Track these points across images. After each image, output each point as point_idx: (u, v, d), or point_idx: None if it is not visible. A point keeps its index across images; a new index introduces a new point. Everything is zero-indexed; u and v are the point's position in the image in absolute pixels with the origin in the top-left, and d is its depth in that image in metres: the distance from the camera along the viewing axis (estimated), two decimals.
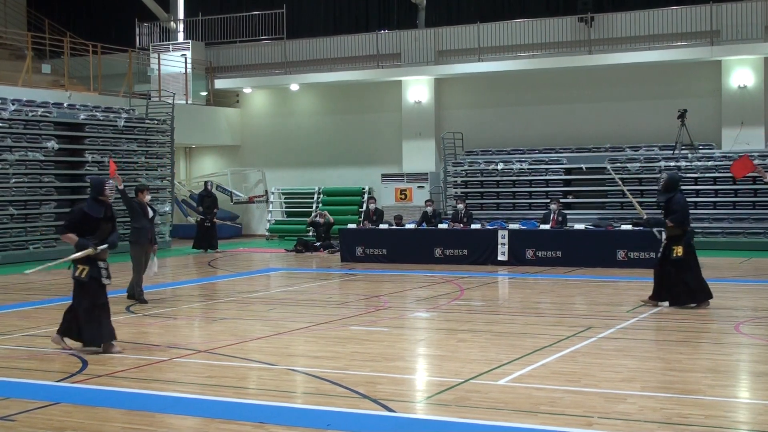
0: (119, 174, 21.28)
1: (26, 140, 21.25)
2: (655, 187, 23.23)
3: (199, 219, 23.31)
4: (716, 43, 23.79)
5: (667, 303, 12.44)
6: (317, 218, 24.09)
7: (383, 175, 26.83)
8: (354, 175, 28.46)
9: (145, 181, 23.99)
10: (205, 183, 24.01)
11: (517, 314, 12.35)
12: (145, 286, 14.70)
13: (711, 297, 12.41)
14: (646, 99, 25.28)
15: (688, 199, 22.20)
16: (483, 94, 27.18)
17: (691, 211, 21.02)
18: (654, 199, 23.35)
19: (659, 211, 13.16)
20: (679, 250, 12.18)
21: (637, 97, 25.40)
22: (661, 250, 12.53)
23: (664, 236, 12.46)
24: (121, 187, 13.70)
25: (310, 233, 25.19)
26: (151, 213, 13.64)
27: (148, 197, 13.76)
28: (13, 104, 21.23)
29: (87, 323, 9.58)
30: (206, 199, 23.22)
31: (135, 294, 13.63)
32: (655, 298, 12.60)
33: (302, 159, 29.51)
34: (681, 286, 12.31)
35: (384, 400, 7.42)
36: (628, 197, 15.04)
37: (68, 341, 9.82)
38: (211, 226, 23.16)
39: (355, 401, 7.44)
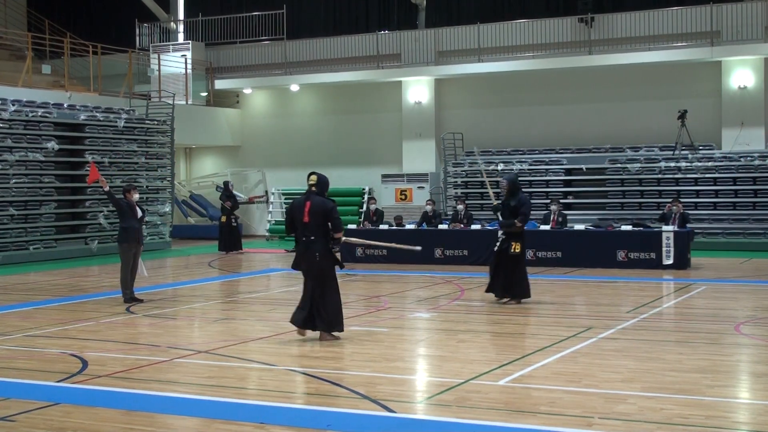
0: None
1: (26, 141, 21.26)
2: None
3: (224, 220, 23.01)
4: (716, 43, 23.79)
5: (511, 299, 13.05)
6: None
7: (383, 176, 26.84)
8: (354, 175, 28.45)
9: (145, 181, 24.02)
10: (227, 183, 23.95)
11: (517, 315, 12.35)
12: (146, 286, 14.73)
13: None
14: (646, 99, 25.28)
15: (689, 200, 22.46)
16: (483, 94, 27.18)
17: (691, 212, 21.38)
18: (653, 200, 23.46)
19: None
20: (517, 247, 12.89)
21: (637, 98, 25.40)
22: (498, 245, 13.05)
23: (500, 233, 13.11)
24: (106, 188, 13.68)
25: None
26: (139, 213, 13.66)
27: (136, 197, 13.76)
28: (13, 105, 21.23)
29: (340, 311, 10.28)
30: (232, 199, 23.24)
31: (122, 293, 13.63)
32: (494, 291, 13.14)
33: (302, 159, 29.48)
34: (523, 281, 13.02)
35: (384, 401, 7.42)
36: (487, 188, 15.87)
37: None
38: (236, 226, 23.14)
39: (355, 401, 7.44)
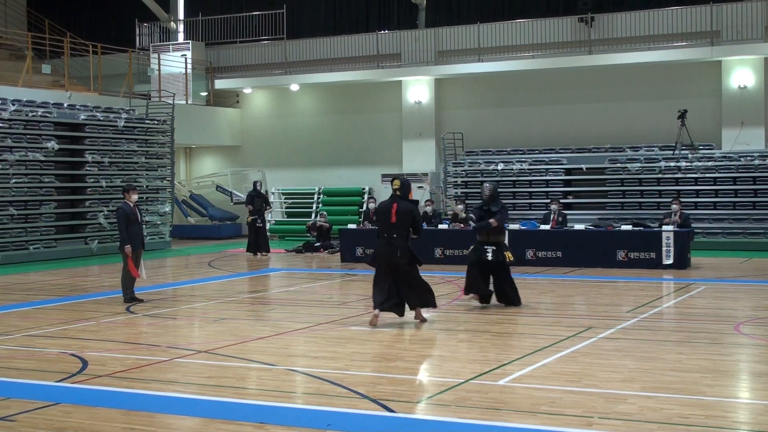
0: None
1: (26, 140, 21.25)
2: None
3: (250, 220, 22.53)
4: (716, 43, 23.79)
5: (473, 295, 12.91)
6: (319, 219, 24.13)
7: (383, 175, 26.81)
8: (354, 175, 28.46)
9: (145, 181, 24.01)
10: (255, 182, 23.74)
11: (517, 314, 12.35)
12: (146, 286, 14.75)
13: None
14: (646, 99, 25.28)
15: (688, 200, 22.47)
16: (483, 94, 27.18)
17: (691, 212, 21.39)
18: (653, 200, 23.47)
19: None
20: (510, 255, 12.76)
21: (637, 97, 25.39)
22: (490, 256, 12.57)
23: (488, 247, 12.67)
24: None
25: (312, 235, 25.14)
26: (139, 216, 13.69)
27: (134, 197, 13.74)
28: (13, 104, 21.22)
29: (431, 289, 11.57)
30: (256, 199, 22.63)
31: (123, 292, 13.63)
32: (476, 291, 12.84)
33: (302, 159, 29.51)
34: (513, 287, 12.83)
35: (384, 400, 7.42)
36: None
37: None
38: (262, 226, 22.73)
39: (355, 401, 7.44)
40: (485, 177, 25.31)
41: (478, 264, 12.73)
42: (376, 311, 11.19)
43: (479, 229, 12.77)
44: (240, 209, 29.38)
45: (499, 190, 24.61)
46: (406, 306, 11.44)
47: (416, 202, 11.77)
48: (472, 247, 12.95)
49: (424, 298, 11.42)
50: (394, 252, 11.12)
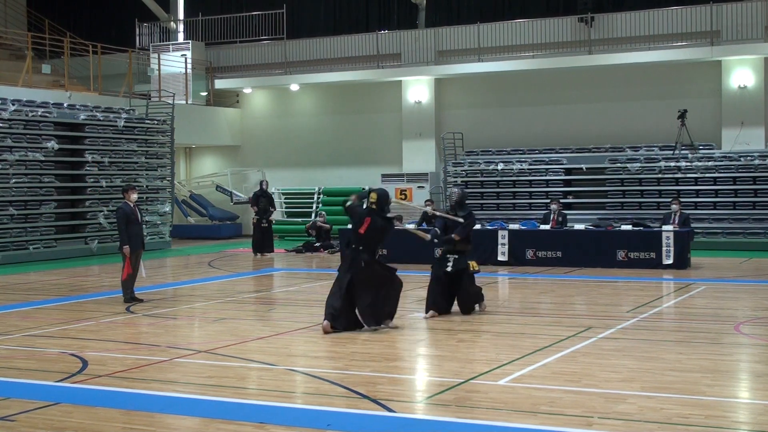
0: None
1: (26, 140, 21.25)
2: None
3: (255, 220, 22.46)
4: (716, 43, 23.79)
5: (432, 312, 12.07)
6: (318, 219, 24.14)
7: (383, 175, 26.82)
8: (354, 175, 28.44)
9: (145, 181, 24.00)
10: (261, 182, 23.58)
11: (517, 314, 12.35)
12: (146, 286, 14.75)
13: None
14: (646, 99, 25.28)
15: (688, 200, 22.46)
16: (483, 94, 27.18)
17: (691, 212, 21.38)
18: (653, 200, 23.47)
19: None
20: (475, 265, 12.28)
21: (637, 97, 25.39)
22: (451, 266, 12.06)
23: (449, 256, 12.15)
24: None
25: (312, 234, 25.13)
26: (139, 216, 13.69)
27: (134, 196, 13.73)
28: (13, 104, 21.21)
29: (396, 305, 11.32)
30: (262, 199, 22.50)
31: (123, 292, 13.63)
32: (434, 310, 12.11)
33: (302, 159, 29.51)
34: (473, 292, 12.29)
35: (384, 400, 7.42)
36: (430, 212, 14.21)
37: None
38: (267, 227, 22.53)
39: (355, 401, 7.44)
40: (485, 177, 25.36)
41: (439, 281, 12.17)
42: (326, 322, 10.65)
43: (442, 243, 12.29)
44: (240, 209, 29.41)
45: (500, 190, 25.30)
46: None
47: (391, 219, 11.00)
48: (437, 257, 12.45)
49: (389, 312, 11.01)
50: (359, 263, 10.76)
